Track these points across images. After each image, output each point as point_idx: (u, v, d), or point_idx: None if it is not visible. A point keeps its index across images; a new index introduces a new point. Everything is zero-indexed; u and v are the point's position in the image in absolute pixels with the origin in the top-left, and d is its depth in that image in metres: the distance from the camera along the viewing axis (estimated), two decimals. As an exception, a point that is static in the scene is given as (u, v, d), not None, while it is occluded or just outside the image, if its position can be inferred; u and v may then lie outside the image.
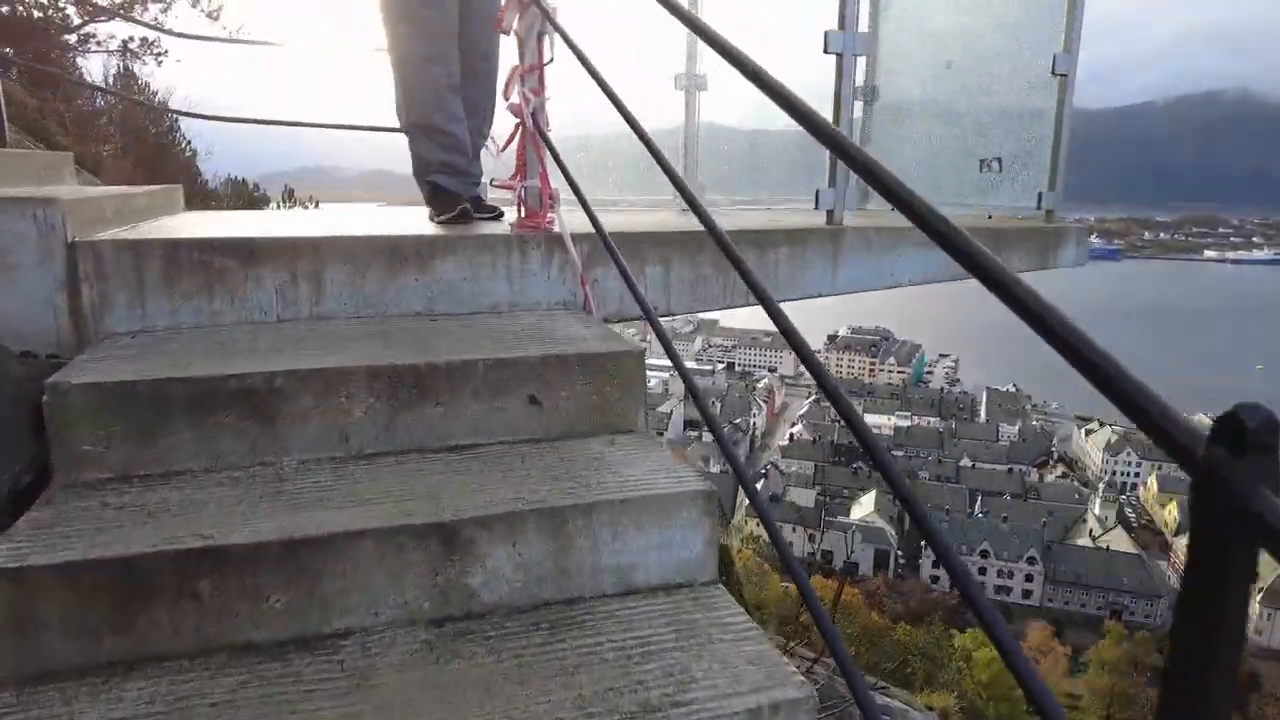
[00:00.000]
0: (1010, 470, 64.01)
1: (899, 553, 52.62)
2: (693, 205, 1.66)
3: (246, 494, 1.52)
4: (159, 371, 1.62)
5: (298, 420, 1.66)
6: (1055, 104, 2.99)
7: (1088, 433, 73.74)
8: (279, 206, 10.84)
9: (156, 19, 9.31)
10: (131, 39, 9.46)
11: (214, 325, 1.99)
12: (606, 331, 2.02)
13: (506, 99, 2.21)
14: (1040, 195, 3.03)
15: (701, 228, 2.16)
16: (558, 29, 2.16)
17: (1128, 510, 62.05)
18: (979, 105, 3.29)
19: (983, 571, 51.42)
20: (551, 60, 2.23)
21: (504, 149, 2.30)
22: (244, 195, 10.67)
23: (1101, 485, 61.92)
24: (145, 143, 9.42)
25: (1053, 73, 2.96)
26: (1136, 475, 67.31)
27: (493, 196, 2.81)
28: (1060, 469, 68.32)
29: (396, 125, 2.74)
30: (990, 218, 3.32)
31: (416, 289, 2.15)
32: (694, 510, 1.53)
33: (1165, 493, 61.32)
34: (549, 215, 2.28)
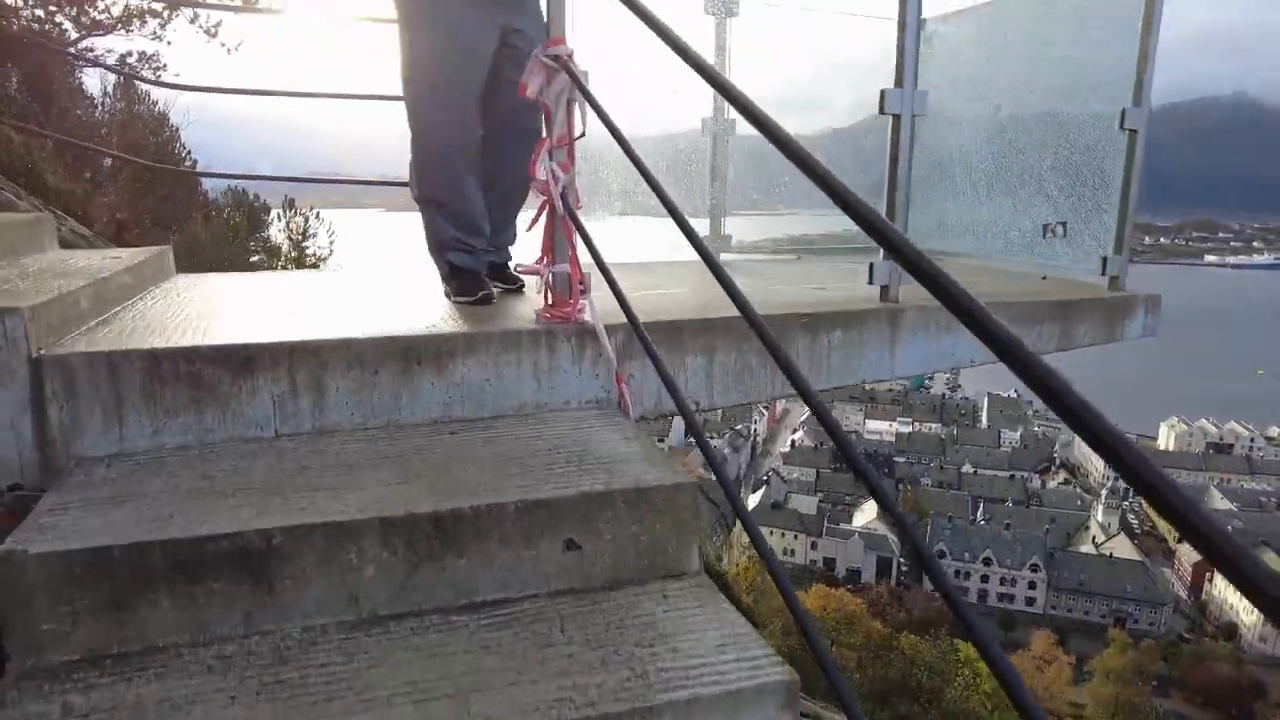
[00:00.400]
0: (1012, 476, 63.76)
1: (901, 560, 52.32)
2: (736, 300, 1.45)
3: (240, 686, 1.27)
4: (136, 529, 1.37)
5: (300, 582, 1.41)
6: (1123, 159, 2.75)
7: (1089, 438, 73.28)
8: (280, 217, 10.60)
9: (155, 33, 9.10)
10: (130, 53, 9.25)
11: (202, 445, 1.74)
12: (650, 449, 1.78)
13: (533, 176, 1.96)
14: (1105, 260, 2.79)
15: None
16: (588, 97, 1.92)
17: (1130, 516, 61.78)
18: (1033, 158, 3.04)
19: (985, 579, 51.19)
20: (583, 134, 1.98)
21: (530, 228, 2.06)
22: (244, 205, 10.46)
23: (1104, 491, 61.61)
24: (144, 152, 9.20)
25: (1121, 127, 2.71)
26: (1139, 481, 66.84)
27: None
28: (1062, 475, 68.07)
29: (394, 178, 2.52)
30: (1044, 278, 3.08)
31: (433, 393, 1.90)
32: (772, 706, 1.29)
33: (1168, 499, 60.86)
34: (580, 303, 2.04)
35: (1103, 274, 2.80)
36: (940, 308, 2.45)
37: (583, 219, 1.99)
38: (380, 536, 1.44)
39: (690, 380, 2.15)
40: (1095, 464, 70.40)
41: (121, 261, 2.38)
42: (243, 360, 1.75)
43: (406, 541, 1.45)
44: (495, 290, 2.39)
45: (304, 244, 10.66)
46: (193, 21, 8.86)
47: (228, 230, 9.96)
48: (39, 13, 8.46)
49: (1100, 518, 56.77)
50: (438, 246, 2.35)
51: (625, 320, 2.01)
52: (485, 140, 2.28)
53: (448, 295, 2.38)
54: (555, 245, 2.03)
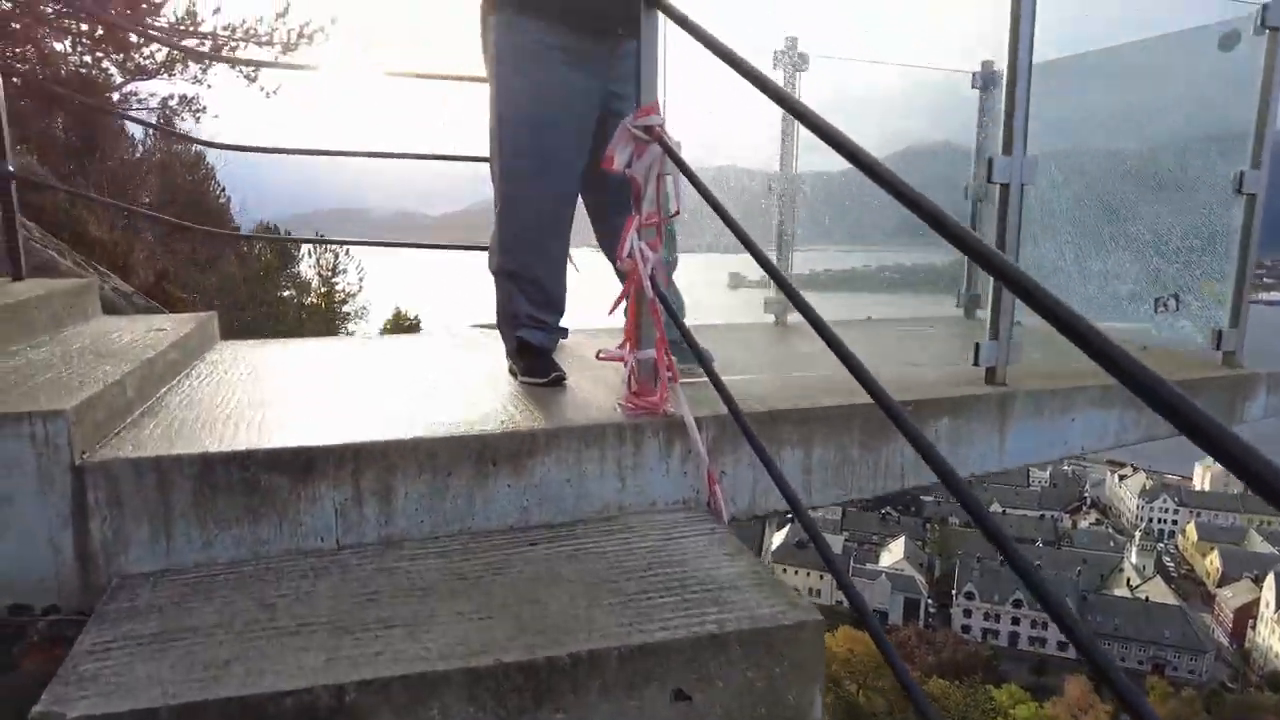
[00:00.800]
0: (1042, 516, 62.29)
1: (929, 601, 51.07)
2: (867, 385, 1.30)
3: None
4: (188, 682, 1.18)
5: (372, 745, 1.21)
6: (1240, 225, 2.54)
7: (1121, 478, 71.80)
8: (310, 254, 10.64)
9: (196, 78, 9.24)
10: (172, 96, 9.39)
11: (257, 559, 1.56)
12: (759, 570, 1.57)
13: (620, 258, 1.78)
14: (1220, 334, 2.56)
15: (845, 400, 1.90)
16: (686, 172, 1.75)
17: (1166, 559, 59.96)
18: (1129, 220, 2.84)
19: (1016, 622, 49.82)
20: (677, 214, 1.81)
21: (612, 311, 1.88)
22: (275, 243, 10.58)
23: (1138, 533, 59.91)
24: (181, 191, 9.35)
25: (1237, 190, 2.51)
26: (1174, 523, 65.18)
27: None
28: (1093, 515, 66.44)
29: (411, 211, 2.36)
30: (1144, 348, 2.85)
31: (509, 496, 1.71)
32: None
33: (1205, 541, 59.21)
34: (666, 393, 1.85)
35: (1216, 348, 2.57)
36: (1051, 391, 2.22)
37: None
38: (466, 690, 1.24)
39: (785, 476, 1.94)
40: (1128, 504, 68.67)
41: (166, 335, 2.23)
42: (303, 464, 1.57)
43: (495, 695, 1.25)
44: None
45: (333, 280, 10.71)
46: (233, 67, 8.98)
47: (260, 267, 10.01)
48: (86, 59, 8.62)
49: (1134, 559, 55.11)
50: (509, 320, 2.18)
51: (713, 413, 1.83)
52: (596, 208, 2.15)
53: (513, 373, 2.20)
54: (641, 329, 1.85)
